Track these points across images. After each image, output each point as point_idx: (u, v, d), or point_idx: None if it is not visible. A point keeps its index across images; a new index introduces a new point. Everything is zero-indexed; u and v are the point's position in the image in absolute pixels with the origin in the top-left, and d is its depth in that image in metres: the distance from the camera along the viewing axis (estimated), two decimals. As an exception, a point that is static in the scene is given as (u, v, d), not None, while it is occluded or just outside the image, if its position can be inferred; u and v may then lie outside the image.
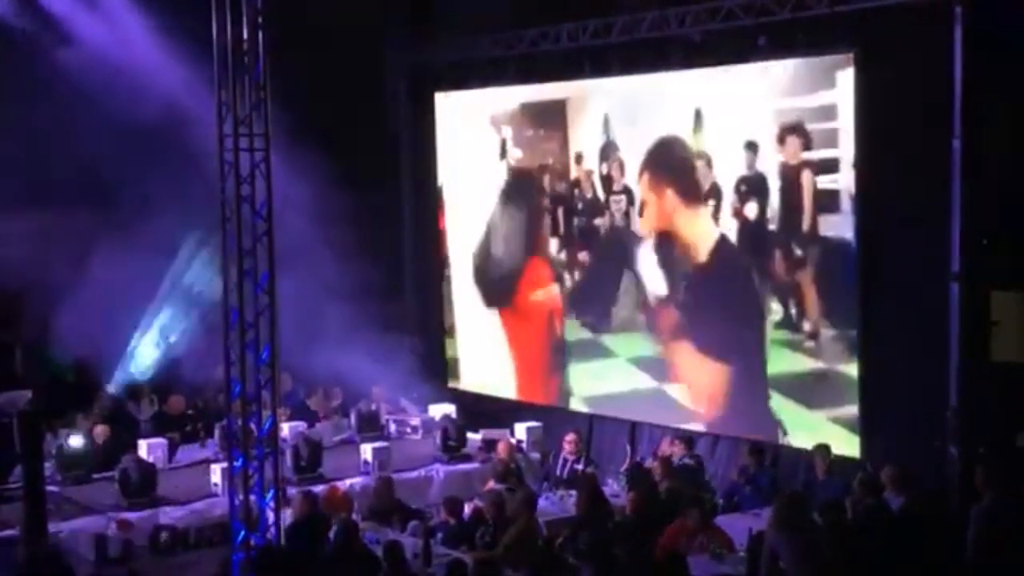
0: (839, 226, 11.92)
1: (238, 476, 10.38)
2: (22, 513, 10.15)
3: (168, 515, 11.44)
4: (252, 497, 10.36)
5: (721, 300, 13.11)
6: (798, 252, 12.36)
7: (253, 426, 10.34)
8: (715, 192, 12.97)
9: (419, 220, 16.63)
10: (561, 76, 14.35)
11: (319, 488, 11.91)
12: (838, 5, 11.47)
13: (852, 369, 11.94)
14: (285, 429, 12.43)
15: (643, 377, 13.99)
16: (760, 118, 12.47)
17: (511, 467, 12.29)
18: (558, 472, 13.12)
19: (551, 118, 14.60)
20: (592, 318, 14.56)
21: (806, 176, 12.16)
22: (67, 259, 13.34)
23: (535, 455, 13.42)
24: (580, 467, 12.97)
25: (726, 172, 12.87)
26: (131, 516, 11.27)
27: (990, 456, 10.13)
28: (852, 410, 11.94)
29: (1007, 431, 10.59)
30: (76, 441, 12.43)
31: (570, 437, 13.28)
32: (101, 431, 13.00)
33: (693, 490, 11.30)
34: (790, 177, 12.30)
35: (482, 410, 15.17)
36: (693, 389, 13.44)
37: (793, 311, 12.43)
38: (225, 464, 10.90)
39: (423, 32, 16.25)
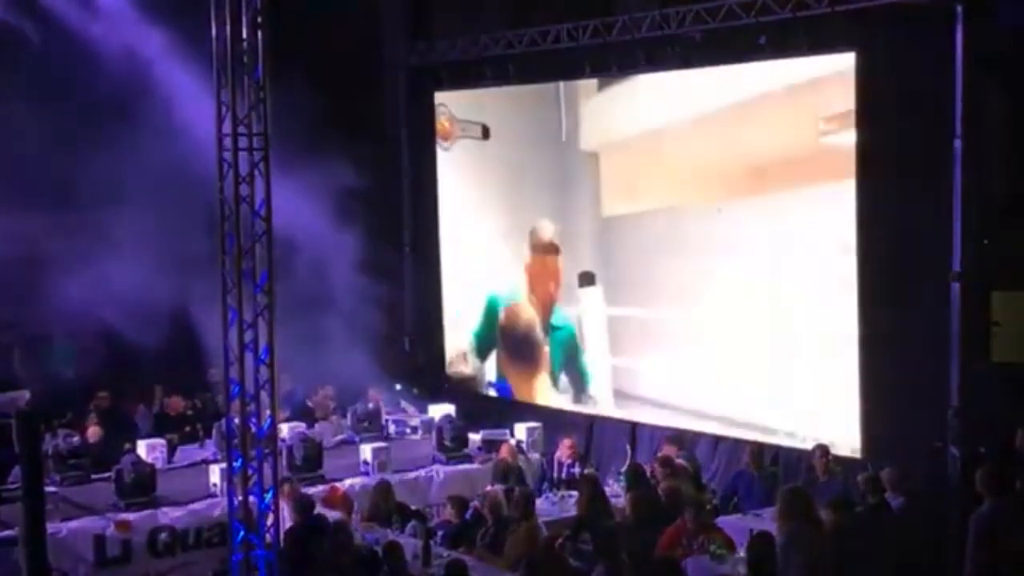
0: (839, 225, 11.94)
1: (237, 476, 10.37)
2: (21, 513, 10.13)
3: (167, 515, 11.42)
4: (251, 497, 10.35)
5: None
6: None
7: (252, 426, 10.33)
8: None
9: (419, 219, 16.61)
10: (561, 76, 14.34)
11: (319, 488, 11.91)
12: (838, 5, 11.47)
13: (852, 369, 11.93)
14: (284, 429, 12.41)
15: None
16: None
17: (512, 467, 12.28)
18: (554, 475, 13.12)
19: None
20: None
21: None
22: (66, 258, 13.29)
23: (535, 455, 13.41)
24: (576, 471, 12.95)
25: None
26: (130, 516, 11.25)
27: (990, 458, 10.10)
28: (852, 410, 11.92)
29: (1008, 432, 10.57)
30: (74, 441, 12.40)
31: (567, 442, 13.27)
32: (93, 432, 12.98)
33: (692, 490, 11.28)
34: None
35: (482, 410, 15.17)
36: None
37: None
38: (224, 464, 10.89)
39: (423, 32, 16.25)
